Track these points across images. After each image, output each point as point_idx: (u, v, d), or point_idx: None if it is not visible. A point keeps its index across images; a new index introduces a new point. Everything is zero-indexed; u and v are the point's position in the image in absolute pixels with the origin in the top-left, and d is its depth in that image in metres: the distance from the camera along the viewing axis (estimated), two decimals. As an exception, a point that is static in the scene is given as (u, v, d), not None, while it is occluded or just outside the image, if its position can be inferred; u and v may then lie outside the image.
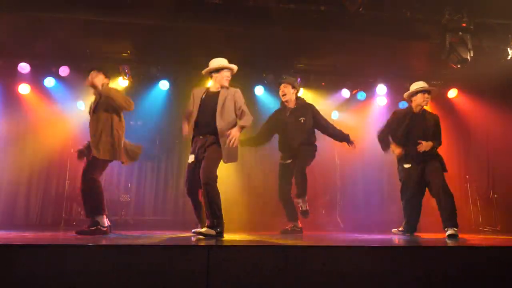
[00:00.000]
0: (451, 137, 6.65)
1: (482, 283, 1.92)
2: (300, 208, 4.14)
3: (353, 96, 6.49)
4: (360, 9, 4.53)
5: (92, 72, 3.68)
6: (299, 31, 5.01)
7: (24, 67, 5.68)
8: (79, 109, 6.00)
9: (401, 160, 4.00)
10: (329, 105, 6.55)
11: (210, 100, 3.42)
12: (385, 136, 4.07)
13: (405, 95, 4.15)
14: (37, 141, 5.85)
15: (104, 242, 2.29)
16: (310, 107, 4.38)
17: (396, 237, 3.67)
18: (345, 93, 6.41)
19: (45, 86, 5.91)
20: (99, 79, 3.66)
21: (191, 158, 3.37)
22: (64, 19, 4.80)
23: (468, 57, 4.96)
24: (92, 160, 3.56)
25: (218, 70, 3.54)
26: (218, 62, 3.58)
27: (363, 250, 2.04)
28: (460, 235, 3.76)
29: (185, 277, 1.76)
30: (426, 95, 4.01)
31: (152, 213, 6.23)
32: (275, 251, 1.93)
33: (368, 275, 1.87)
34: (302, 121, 4.21)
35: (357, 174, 6.49)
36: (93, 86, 3.58)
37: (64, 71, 5.78)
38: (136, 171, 6.35)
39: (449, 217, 3.66)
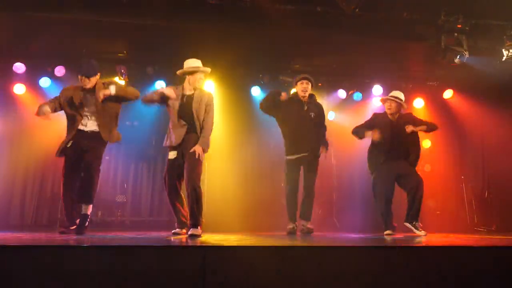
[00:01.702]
0: (447, 137, 6.69)
1: (478, 283, 1.93)
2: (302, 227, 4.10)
3: (349, 96, 6.52)
4: (356, 10, 4.56)
5: (93, 77, 3.75)
6: (295, 31, 5.02)
7: (19, 67, 5.65)
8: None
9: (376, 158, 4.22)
10: (325, 106, 6.56)
11: (187, 102, 3.56)
12: (359, 130, 4.25)
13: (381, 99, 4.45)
14: (32, 141, 5.82)
15: (100, 243, 2.28)
16: (321, 106, 4.49)
17: (391, 237, 3.68)
18: (342, 93, 6.43)
19: (40, 86, 5.88)
20: (96, 78, 3.78)
21: (173, 154, 3.48)
22: (59, 19, 4.78)
23: (464, 57, 5.00)
24: (99, 148, 3.71)
25: (192, 72, 3.63)
26: (192, 64, 3.68)
27: (360, 250, 2.05)
28: (455, 235, 3.78)
29: (181, 278, 1.76)
30: (400, 108, 4.28)
31: (148, 213, 6.21)
32: (271, 252, 1.94)
33: (365, 275, 1.87)
34: (312, 116, 4.28)
35: (354, 174, 6.50)
36: (100, 87, 3.73)
37: (59, 71, 5.76)
38: (132, 171, 6.33)
39: (417, 212, 4.14)
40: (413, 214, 4.07)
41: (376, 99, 6.56)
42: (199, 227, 3.25)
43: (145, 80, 6.09)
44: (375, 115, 4.39)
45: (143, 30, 5.13)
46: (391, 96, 4.27)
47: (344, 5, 4.43)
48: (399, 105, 4.23)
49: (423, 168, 6.53)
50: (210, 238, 3.16)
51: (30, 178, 5.91)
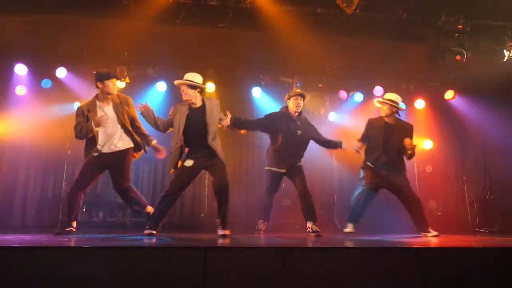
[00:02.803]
0: (448, 138, 6.68)
1: (479, 284, 1.93)
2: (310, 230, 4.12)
3: (350, 97, 6.51)
4: (357, 11, 4.56)
5: (113, 80, 3.82)
6: (296, 32, 5.02)
7: (21, 69, 5.67)
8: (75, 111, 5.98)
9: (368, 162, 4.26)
10: (326, 107, 6.56)
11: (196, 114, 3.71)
12: (357, 148, 4.30)
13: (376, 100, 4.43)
14: (34, 142, 5.83)
15: (101, 244, 2.28)
16: (311, 124, 4.48)
17: (390, 238, 3.68)
18: (342, 94, 6.43)
19: (42, 87, 5.90)
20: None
21: (190, 162, 3.61)
22: (61, 20, 4.80)
23: (463, 58, 5.00)
24: (129, 156, 3.82)
25: (194, 86, 3.71)
26: (198, 79, 3.75)
27: (361, 251, 2.05)
28: (457, 237, 3.77)
29: (182, 280, 1.76)
30: (394, 110, 4.25)
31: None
32: (273, 253, 1.94)
33: (366, 276, 1.87)
34: (299, 133, 4.26)
35: (355, 175, 6.49)
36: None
37: (61, 72, 5.77)
38: (133, 173, 6.31)
39: (424, 219, 4.17)
40: (419, 223, 4.19)
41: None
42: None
43: (146, 81, 6.11)
44: (369, 121, 4.41)
45: (144, 32, 5.14)
46: (384, 99, 4.29)
47: (345, 6, 4.43)
48: (392, 107, 4.22)
49: (425, 169, 6.53)
50: (211, 239, 3.17)
51: (31, 179, 5.92)
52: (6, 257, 1.78)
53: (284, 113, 4.28)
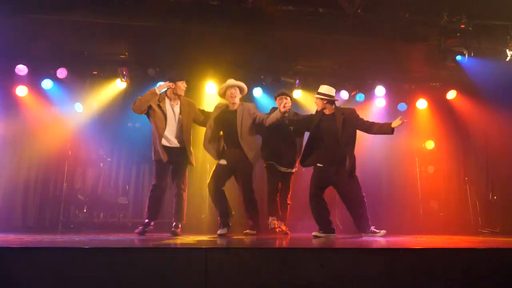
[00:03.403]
0: (450, 138, 6.66)
1: (482, 285, 1.93)
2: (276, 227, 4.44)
3: (351, 97, 6.51)
4: (359, 10, 4.55)
5: (183, 82, 4.21)
6: (297, 32, 5.02)
7: (21, 69, 5.68)
8: (76, 111, 6.00)
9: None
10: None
11: (230, 118, 4.18)
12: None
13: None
14: (35, 143, 5.84)
15: (102, 245, 2.29)
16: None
17: (391, 238, 3.67)
18: (344, 94, 6.42)
19: (42, 88, 5.91)
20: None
21: (224, 161, 4.11)
22: (61, 21, 4.80)
23: (465, 58, 4.99)
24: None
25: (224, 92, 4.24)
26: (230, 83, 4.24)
27: (362, 252, 2.05)
28: (459, 237, 3.76)
29: (183, 280, 1.77)
30: (325, 101, 4.21)
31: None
32: (274, 253, 1.94)
33: (368, 277, 1.87)
34: (291, 129, 4.49)
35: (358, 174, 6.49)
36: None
37: (61, 73, 5.78)
38: (134, 173, 6.34)
39: (365, 219, 4.06)
40: (360, 223, 4.10)
41: (379, 100, 6.56)
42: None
43: (147, 82, 6.11)
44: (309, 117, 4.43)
45: (144, 32, 5.15)
46: (317, 93, 4.24)
47: (346, 6, 4.42)
48: (321, 100, 4.16)
49: (427, 169, 6.52)
50: (212, 240, 3.17)
51: (32, 180, 5.93)
52: (6, 257, 1.78)
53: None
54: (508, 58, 5.41)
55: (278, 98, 4.50)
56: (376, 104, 6.58)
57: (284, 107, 4.07)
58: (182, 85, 4.17)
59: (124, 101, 6.00)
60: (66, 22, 4.84)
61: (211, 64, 5.89)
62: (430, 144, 6.62)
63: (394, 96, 6.51)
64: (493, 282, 1.94)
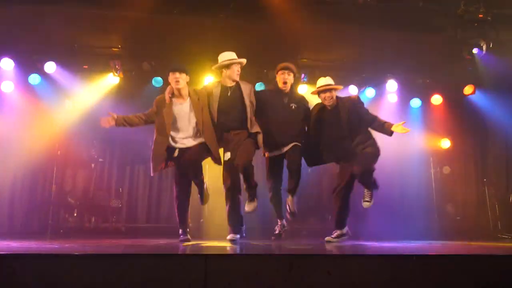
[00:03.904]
0: (467, 137, 6.65)
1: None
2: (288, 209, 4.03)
3: (361, 93, 6.50)
4: (369, -1, 4.55)
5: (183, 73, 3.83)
6: (303, 24, 5.02)
7: (7, 64, 5.70)
8: (66, 108, 6.02)
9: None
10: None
11: (232, 95, 3.86)
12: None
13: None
14: (21, 142, 5.85)
15: (94, 251, 2.30)
16: (304, 99, 4.34)
17: (403, 244, 3.67)
18: (353, 90, 6.40)
19: (30, 83, 5.93)
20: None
21: (228, 155, 3.74)
22: (49, 11, 4.82)
23: (482, 50, 4.98)
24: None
25: (228, 66, 3.85)
26: (228, 57, 3.87)
27: (371, 258, 2.05)
28: (477, 243, 3.76)
29: (181, 289, 1.77)
30: (328, 94, 4.03)
31: (145, 220, 6.23)
32: (277, 260, 1.94)
33: (377, 285, 1.88)
34: (293, 107, 4.09)
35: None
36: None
37: (50, 67, 5.80)
38: (128, 174, 6.35)
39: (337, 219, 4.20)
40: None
41: (391, 96, 6.53)
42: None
43: (141, 76, 6.12)
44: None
45: (139, 23, 5.15)
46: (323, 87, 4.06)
47: (357, -5, 4.43)
48: (322, 92, 4.04)
49: (442, 170, 6.51)
50: (212, 246, 3.18)
51: (19, 182, 5.95)
52: (-7, 265, 1.79)
53: (271, 90, 4.26)
54: (528, 50, 5.40)
55: (279, 72, 4.09)
56: (388, 99, 6.56)
57: (284, 83, 3.95)
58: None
59: (117, 97, 6.02)
60: (55, 12, 4.85)
61: (210, 57, 5.89)
62: (445, 143, 6.60)
63: (407, 91, 6.49)
64: (513, 290, 1.94)
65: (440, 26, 5.27)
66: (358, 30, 5.25)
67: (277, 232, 4.16)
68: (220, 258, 1.95)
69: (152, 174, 3.81)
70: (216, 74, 6.08)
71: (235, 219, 3.77)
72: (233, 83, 3.90)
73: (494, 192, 6.19)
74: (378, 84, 6.48)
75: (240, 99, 3.84)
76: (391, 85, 6.41)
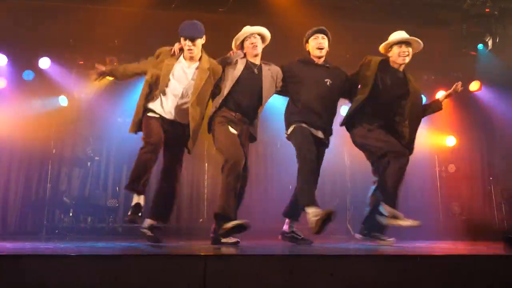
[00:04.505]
0: (473, 134, 6.65)
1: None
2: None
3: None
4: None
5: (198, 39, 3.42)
6: (305, 19, 4.99)
7: (0, 59, 5.69)
8: (61, 105, 6.00)
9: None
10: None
11: (254, 75, 3.45)
12: None
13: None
14: (15, 140, 5.85)
15: (90, 252, 2.29)
16: (340, 72, 3.74)
17: (407, 244, 3.67)
18: (356, 86, 6.40)
19: (23, 79, 5.92)
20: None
21: (235, 130, 3.31)
22: (44, 6, 4.81)
23: (488, 45, 4.97)
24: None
25: (243, 40, 3.56)
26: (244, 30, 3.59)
27: (376, 259, 2.05)
28: (483, 243, 3.75)
29: (179, 290, 1.77)
30: (404, 48, 3.52)
31: (143, 220, 6.23)
32: (279, 261, 1.94)
33: (380, 286, 1.87)
34: (328, 83, 3.51)
35: (369, 177, 6.48)
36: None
37: (44, 63, 5.79)
38: (125, 173, 6.34)
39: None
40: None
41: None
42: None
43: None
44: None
45: (135, 18, 5.14)
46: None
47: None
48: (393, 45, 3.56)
49: (447, 168, 6.50)
50: (211, 246, 3.18)
51: (13, 181, 5.94)
52: (-14, 266, 1.79)
53: (303, 61, 3.66)
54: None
55: (312, 38, 3.57)
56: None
57: (320, 49, 3.46)
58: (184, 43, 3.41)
59: (113, 94, 6.01)
60: (49, 7, 4.84)
61: (209, 53, 5.87)
62: (451, 141, 6.59)
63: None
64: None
65: (445, 20, 5.27)
66: (361, 25, 5.24)
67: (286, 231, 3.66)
68: (220, 258, 1.94)
69: (129, 132, 3.49)
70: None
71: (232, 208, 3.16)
72: (258, 62, 3.50)
73: (500, 191, 6.19)
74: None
75: (258, 83, 3.40)
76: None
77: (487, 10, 4.95)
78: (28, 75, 5.92)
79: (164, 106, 3.34)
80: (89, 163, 6.11)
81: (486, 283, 1.93)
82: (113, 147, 6.29)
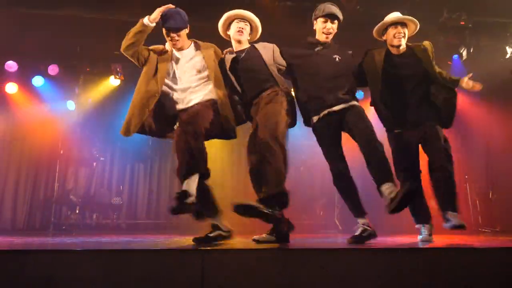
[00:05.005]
0: (449, 136, 6.64)
1: (484, 285, 1.92)
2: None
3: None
4: (357, 6, 4.54)
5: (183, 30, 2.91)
6: (294, 29, 4.99)
7: (11, 66, 5.62)
8: (68, 109, 5.95)
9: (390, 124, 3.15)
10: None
11: (246, 57, 2.93)
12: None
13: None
14: (25, 142, 5.79)
15: (94, 247, 2.25)
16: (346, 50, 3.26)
17: (392, 238, 3.66)
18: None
19: (33, 85, 5.85)
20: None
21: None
22: (53, 16, 4.75)
23: (462, 56, 5.02)
24: None
25: (228, 25, 3.04)
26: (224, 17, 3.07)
27: (363, 253, 2.03)
28: (459, 237, 3.76)
29: (179, 284, 1.74)
30: (399, 29, 3.10)
31: (145, 216, 6.19)
32: (272, 255, 1.92)
33: (369, 278, 1.86)
34: (337, 59, 3.02)
35: (357, 174, 6.48)
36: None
37: (53, 69, 5.73)
38: (128, 172, 6.30)
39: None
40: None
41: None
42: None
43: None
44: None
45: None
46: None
47: (345, 1, 4.41)
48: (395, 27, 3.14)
49: (426, 168, 6.53)
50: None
51: (22, 180, 5.88)
52: (-5, 261, 1.75)
53: (311, 42, 3.16)
54: (508, 56, 5.46)
55: (321, 20, 3.04)
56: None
57: (327, 34, 2.97)
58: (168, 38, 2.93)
59: (118, 99, 5.96)
60: (58, 17, 4.79)
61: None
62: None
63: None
64: (494, 282, 1.93)
65: (423, 32, 5.29)
66: (346, 35, 5.23)
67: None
68: (217, 253, 1.92)
69: (124, 134, 2.78)
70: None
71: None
72: (244, 46, 2.99)
73: (475, 188, 6.23)
74: (366, 87, 6.48)
75: (259, 60, 2.90)
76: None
77: (462, 23, 4.99)
78: (38, 81, 5.86)
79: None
80: (94, 163, 6.06)
81: (462, 274, 1.93)
82: (117, 148, 6.25)
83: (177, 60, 2.92)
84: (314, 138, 3.08)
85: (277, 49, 3.05)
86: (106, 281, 1.72)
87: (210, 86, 2.81)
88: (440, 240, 3.23)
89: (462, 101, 6.46)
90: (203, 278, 1.74)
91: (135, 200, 6.22)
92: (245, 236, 3.98)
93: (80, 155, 6.02)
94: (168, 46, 3.03)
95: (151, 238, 3.60)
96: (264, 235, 2.79)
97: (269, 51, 3.00)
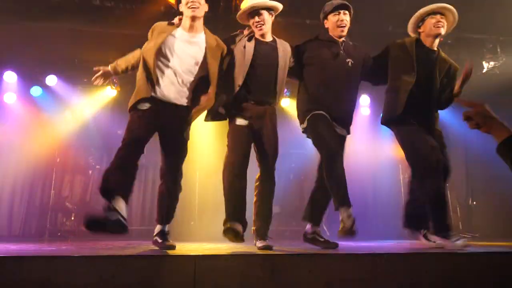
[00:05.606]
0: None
1: (465, 289, 1.94)
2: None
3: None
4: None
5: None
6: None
7: (10, 76, 5.57)
8: (66, 119, 5.91)
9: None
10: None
11: (266, 54, 2.67)
12: None
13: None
14: (22, 150, 5.72)
15: (89, 253, 2.23)
16: (360, 49, 2.95)
17: (376, 244, 3.68)
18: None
19: (31, 95, 5.81)
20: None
21: (243, 121, 2.64)
22: (51, 28, 4.75)
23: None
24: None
25: (249, 14, 2.68)
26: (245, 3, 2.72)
27: (349, 257, 2.04)
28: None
29: (171, 288, 1.73)
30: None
31: (139, 222, 6.12)
32: (262, 260, 1.92)
33: (355, 283, 1.87)
34: (350, 64, 2.78)
35: (348, 176, 6.53)
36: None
37: (51, 80, 5.69)
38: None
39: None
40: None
41: (364, 109, 6.64)
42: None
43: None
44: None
45: (135, 40, 5.10)
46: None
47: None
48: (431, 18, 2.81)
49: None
50: (200, 247, 3.13)
51: (19, 187, 5.79)
52: (-10, 267, 1.72)
53: (321, 40, 2.91)
54: (484, 70, 5.60)
55: (333, 13, 2.81)
56: (361, 112, 6.68)
57: (341, 27, 2.72)
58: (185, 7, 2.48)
59: (114, 109, 5.95)
60: (56, 29, 4.78)
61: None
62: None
63: (378, 105, 6.61)
64: (476, 286, 1.95)
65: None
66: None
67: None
68: (208, 258, 1.91)
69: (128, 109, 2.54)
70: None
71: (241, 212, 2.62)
72: (269, 39, 2.71)
73: (455, 195, 6.31)
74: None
75: (273, 67, 2.65)
76: (364, 100, 6.53)
77: (441, 39, 5.10)
78: (36, 91, 5.82)
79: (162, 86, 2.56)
80: (90, 171, 5.99)
81: (445, 278, 1.95)
82: (111, 154, 6.19)
83: (179, 45, 2.57)
84: (303, 147, 2.99)
85: (289, 51, 2.80)
86: (101, 286, 1.70)
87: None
88: (422, 246, 3.26)
89: (441, 112, 6.59)
90: (195, 283, 1.73)
91: (129, 206, 6.13)
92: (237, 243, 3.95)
93: (76, 163, 5.96)
94: (177, 20, 2.67)
95: (145, 244, 3.56)
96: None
97: (287, 54, 2.75)
